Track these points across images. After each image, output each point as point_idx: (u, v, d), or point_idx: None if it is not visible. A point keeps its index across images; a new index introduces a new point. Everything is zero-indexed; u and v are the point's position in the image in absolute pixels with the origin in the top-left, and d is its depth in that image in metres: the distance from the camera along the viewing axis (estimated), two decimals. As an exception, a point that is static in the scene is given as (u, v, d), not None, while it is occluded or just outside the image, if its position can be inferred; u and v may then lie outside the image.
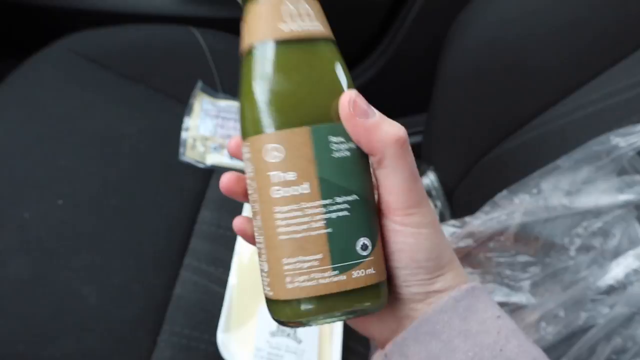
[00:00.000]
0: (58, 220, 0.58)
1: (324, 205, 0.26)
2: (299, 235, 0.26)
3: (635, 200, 0.51)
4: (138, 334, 0.55)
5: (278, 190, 0.26)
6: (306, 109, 0.26)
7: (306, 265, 0.26)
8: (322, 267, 0.26)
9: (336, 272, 0.26)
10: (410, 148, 0.28)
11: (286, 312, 0.27)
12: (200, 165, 0.69)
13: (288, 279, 0.26)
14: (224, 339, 0.56)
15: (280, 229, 0.26)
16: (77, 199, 0.60)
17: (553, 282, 0.55)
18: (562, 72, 0.66)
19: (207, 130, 0.73)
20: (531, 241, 0.57)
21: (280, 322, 0.28)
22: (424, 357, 0.28)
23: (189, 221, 0.64)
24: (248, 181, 0.28)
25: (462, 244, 0.59)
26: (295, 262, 0.26)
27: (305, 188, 0.26)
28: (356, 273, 0.26)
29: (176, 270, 0.60)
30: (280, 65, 0.27)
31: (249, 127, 0.27)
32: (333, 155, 0.26)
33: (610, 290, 0.49)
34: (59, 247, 0.57)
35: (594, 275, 0.51)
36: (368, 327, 0.32)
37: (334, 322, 0.29)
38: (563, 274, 0.54)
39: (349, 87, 0.28)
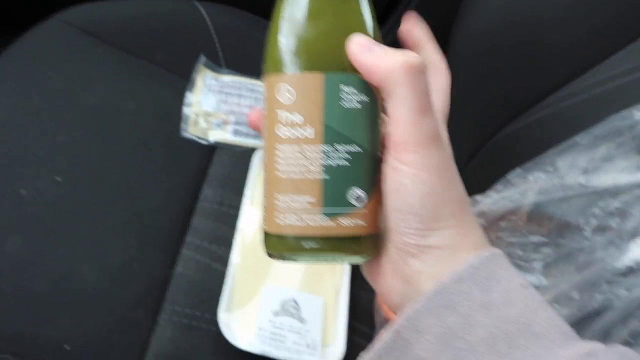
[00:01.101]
0: (56, 197, 0.57)
1: (324, 151, 0.27)
2: (295, 176, 0.27)
3: (655, 179, 0.49)
4: (138, 313, 0.54)
5: (283, 129, 0.27)
6: (323, 56, 0.27)
7: (298, 205, 0.27)
8: (312, 210, 0.27)
9: (325, 217, 0.27)
10: (425, 80, 0.26)
11: (274, 246, 0.28)
12: (203, 142, 0.68)
13: (278, 215, 0.27)
14: (225, 318, 0.54)
15: (279, 166, 0.27)
16: (75, 175, 0.59)
17: (567, 263, 0.53)
18: (579, 47, 0.63)
19: (210, 106, 0.71)
20: (544, 221, 0.55)
21: (269, 254, 0.29)
22: (439, 332, 0.25)
23: (191, 198, 0.62)
24: (262, 118, 0.29)
25: (472, 223, 0.57)
26: (288, 200, 0.27)
27: (309, 132, 0.27)
28: (345, 222, 0.27)
29: (177, 248, 0.59)
30: (306, 9, 0.28)
31: (269, 64, 0.28)
32: (342, 104, 0.27)
33: (628, 272, 0.46)
34: (56, 225, 0.55)
35: (610, 256, 0.48)
36: (374, 279, 0.29)
37: (320, 263, 0.29)
38: (577, 255, 0.52)
39: (375, 39, 0.28)
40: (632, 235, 0.49)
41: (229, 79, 0.74)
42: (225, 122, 0.70)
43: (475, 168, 0.73)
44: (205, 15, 0.76)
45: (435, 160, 0.26)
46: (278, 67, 0.28)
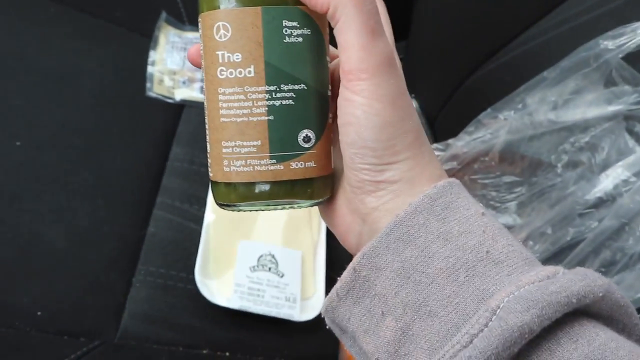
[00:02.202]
0: (17, 162, 0.55)
1: (268, 92, 0.25)
2: (239, 120, 0.25)
3: (624, 111, 0.49)
4: (111, 275, 0.53)
5: (223, 70, 0.25)
6: None
7: (244, 150, 0.26)
8: (259, 154, 0.25)
9: (273, 160, 0.26)
10: (373, 4, 0.24)
11: (224, 195, 0.27)
12: (170, 101, 0.66)
13: (225, 162, 0.26)
14: (202, 276, 0.54)
15: (223, 111, 0.26)
16: (36, 139, 0.57)
17: (540, 201, 0.53)
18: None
19: (175, 63, 0.69)
20: (517, 160, 0.55)
21: (219, 204, 0.28)
22: (397, 267, 0.24)
23: (160, 158, 0.61)
24: (201, 60, 0.27)
25: (445, 167, 0.57)
26: (233, 146, 0.26)
27: (250, 72, 0.25)
28: (295, 164, 0.26)
29: (149, 209, 0.57)
30: None
31: (203, 2, 0.26)
32: (284, 40, 0.25)
33: (599, 203, 0.47)
34: (19, 190, 0.54)
35: (582, 190, 0.49)
36: (331, 222, 0.28)
37: (273, 210, 0.28)
38: (550, 191, 0.52)
39: None
40: (602, 167, 0.49)
41: (193, 35, 0.71)
42: (191, 80, 0.68)
43: (450, 113, 0.72)
44: (164, -30, 0.73)
45: (389, 88, 0.24)
46: (213, 3, 0.26)
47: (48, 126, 0.58)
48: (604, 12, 0.55)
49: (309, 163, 0.26)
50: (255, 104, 0.25)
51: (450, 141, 0.58)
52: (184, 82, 0.68)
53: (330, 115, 0.27)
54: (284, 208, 0.28)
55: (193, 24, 0.72)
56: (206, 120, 0.27)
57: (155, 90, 0.66)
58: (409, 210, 0.24)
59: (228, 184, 0.26)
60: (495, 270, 0.23)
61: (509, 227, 0.54)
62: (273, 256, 0.57)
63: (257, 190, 0.26)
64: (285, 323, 0.54)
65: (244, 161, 0.26)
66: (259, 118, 0.25)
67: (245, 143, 0.25)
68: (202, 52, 0.27)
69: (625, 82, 0.49)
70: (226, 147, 0.26)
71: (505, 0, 0.65)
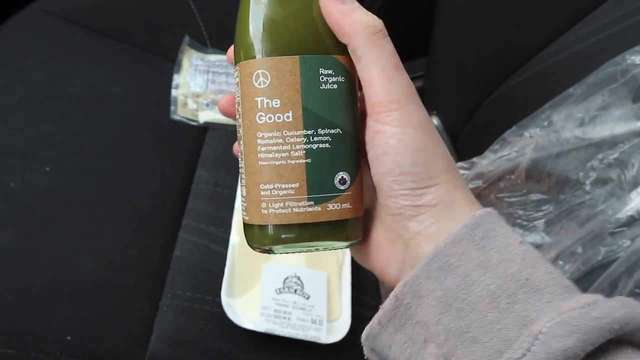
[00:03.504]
0: (46, 187, 0.56)
1: (306, 136, 0.26)
2: (278, 163, 0.26)
3: (654, 126, 0.48)
4: (139, 299, 0.53)
5: (262, 115, 0.27)
6: (297, 38, 0.27)
7: (282, 192, 0.26)
8: (297, 196, 0.26)
9: (311, 202, 0.26)
10: (389, 41, 0.26)
11: (259, 238, 0.27)
12: (193, 123, 0.66)
13: (263, 205, 0.26)
14: (228, 299, 0.54)
15: (261, 155, 0.26)
16: (64, 164, 0.58)
17: (569, 219, 0.52)
18: (567, 0, 0.61)
19: (198, 86, 0.70)
20: (543, 178, 0.54)
21: (253, 247, 0.28)
22: (439, 295, 0.24)
23: (185, 181, 0.62)
24: (236, 106, 0.28)
25: (471, 185, 0.56)
26: (271, 189, 0.26)
27: (288, 117, 0.26)
28: (331, 206, 0.26)
29: (174, 232, 0.58)
30: (276, 4, 0.27)
31: (241, 52, 0.28)
32: (320, 87, 0.26)
33: (631, 221, 0.46)
34: (49, 216, 0.54)
35: (612, 208, 0.48)
36: (369, 259, 0.29)
37: (307, 252, 0.28)
38: (579, 209, 0.51)
39: None
40: (633, 185, 0.48)
41: (216, 57, 0.72)
42: (214, 102, 0.69)
43: (472, 130, 0.72)
44: (186, -6, 0.74)
45: (418, 116, 0.26)
46: (250, 54, 0.27)
47: (76, 151, 0.59)
48: (630, 25, 0.54)
49: (344, 205, 0.27)
50: (293, 148, 0.26)
51: (475, 159, 0.57)
52: (207, 105, 0.69)
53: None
54: (317, 250, 0.28)
55: (215, 47, 0.73)
56: (241, 164, 0.28)
57: (180, 113, 0.67)
58: (448, 240, 0.25)
59: (264, 227, 0.27)
60: (536, 297, 0.23)
61: (538, 246, 0.53)
62: (299, 278, 0.57)
63: (294, 232, 0.26)
64: (311, 345, 0.54)
65: (282, 203, 0.26)
66: (297, 161, 0.26)
67: (283, 185, 0.26)
68: (238, 99, 0.28)
69: (654, 96, 0.48)
70: (264, 189, 0.26)
71: (527, 14, 0.65)
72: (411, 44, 0.93)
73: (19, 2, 0.70)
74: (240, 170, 0.28)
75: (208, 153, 0.64)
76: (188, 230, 0.58)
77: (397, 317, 0.26)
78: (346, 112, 0.27)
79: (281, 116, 0.26)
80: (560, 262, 0.49)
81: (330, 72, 0.27)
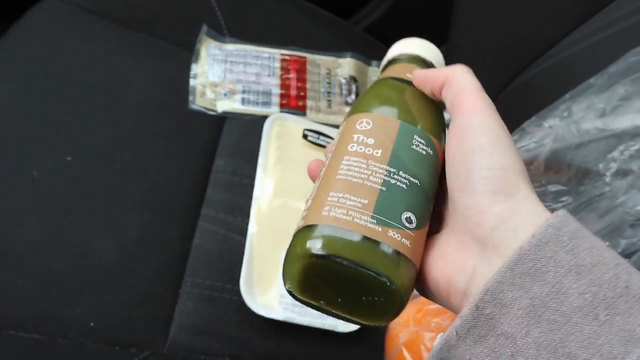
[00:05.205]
0: (69, 176, 0.57)
1: (388, 171, 0.27)
2: (355, 180, 0.27)
3: (677, 118, 0.47)
4: (159, 287, 0.54)
5: (354, 146, 0.29)
6: (403, 113, 0.30)
7: (349, 203, 0.26)
8: (363, 210, 0.26)
9: (374, 220, 0.26)
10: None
11: (304, 239, 0.26)
12: (212, 113, 0.67)
13: (326, 208, 0.27)
14: (247, 287, 0.54)
15: (342, 171, 0.28)
16: (86, 154, 0.59)
17: (588, 211, 0.52)
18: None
19: (216, 76, 0.70)
20: (563, 169, 0.54)
21: (285, 279, 0.27)
22: (526, 304, 0.22)
23: (204, 170, 0.62)
24: (330, 147, 0.31)
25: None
26: (340, 197, 0.27)
27: (377, 152, 0.28)
28: (392, 233, 0.26)
29: (194, 221, 0.58)
30: (395, 90, 0.32)
31: (355, 108, 0.31)
32: (412, 146, 0.29)
33: (652, 214, 0.45)
34: (71, 204, 0.55)
35: (632, 199, 0.47)
36: (431, 281, 0.27)
37: (338, 307, 0.27)
38: (598, 201, 0.51)
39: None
40: (655, 176, 0.47)
41: (233, 47, 0.72)
42: (232, 92, 0.69)
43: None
44: (204, -16, 0.74)
45: (500, 120, 0.27)
46: (365, 108, 0.31)
47: (97, 141, 0.60)
48: (652, 14, 0.53)
49: (405, 240, 0.26)
50: (373, 174, 0.27)
51: (493, 150, 0.57)
52: (225, 94, 0.69)
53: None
54: (351, 313, 0.27)
55: (233, 35, 0.73)
56: (316, 185, 0.29)
57: (198, 102, 0.67)
58: (533, 242, 0.23)
59: (316, 227, 0.26)
60: (637, 307, 0.21)
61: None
62: (316, 267, 0.57)
63: (345, 242, 0.25)
64: (329, 334, 0.54)
65: (345, 210, 0.26)
66: (373, 185, 0.27)
67: (353, 197, 0.26)
68: (334, 144, 0.30)
69: (677, 87, 0.47)
70: (332, 196, 0.27)
71: (548, 2, 0.64)
72: (429, 34, 0.92)
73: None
74: (311, 194, 0.29)
75: (226, 142, 0.65)
76: (207, 219, 0.59)
77: (477, 327, 0.23)
78: (428, 175, 0.29)
79: (371, 150, 0.28)
80: (579, 254, 0.49)
81: (422, 141, 0.29)
